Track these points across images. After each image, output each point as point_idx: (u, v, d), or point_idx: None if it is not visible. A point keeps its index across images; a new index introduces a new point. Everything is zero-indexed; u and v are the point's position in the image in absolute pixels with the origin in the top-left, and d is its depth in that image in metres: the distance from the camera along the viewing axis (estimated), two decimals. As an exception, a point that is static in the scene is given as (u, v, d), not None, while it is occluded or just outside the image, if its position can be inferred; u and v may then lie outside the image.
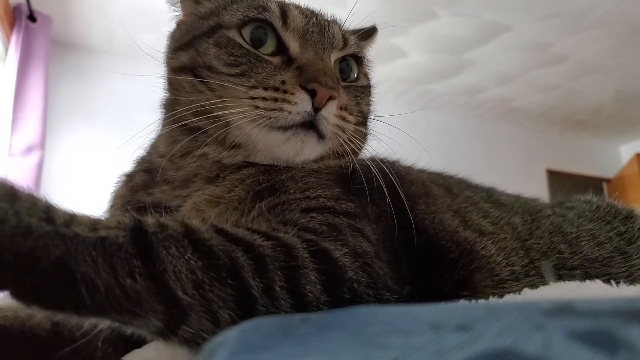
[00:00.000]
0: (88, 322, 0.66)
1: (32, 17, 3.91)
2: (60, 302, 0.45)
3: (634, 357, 0.29)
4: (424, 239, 0.78)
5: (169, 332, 0.49)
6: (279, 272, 0.53)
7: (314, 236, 0.61)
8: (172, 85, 0.88)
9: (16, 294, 0.43)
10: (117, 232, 0.48)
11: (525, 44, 4.78)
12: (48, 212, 0.47)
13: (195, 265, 0.49)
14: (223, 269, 0.50)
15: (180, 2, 0.97)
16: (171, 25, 0.99)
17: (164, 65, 0.93)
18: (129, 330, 0.52)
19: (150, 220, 0.52)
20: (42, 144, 3.87)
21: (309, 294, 0.54)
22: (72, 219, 0.48)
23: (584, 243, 0.93)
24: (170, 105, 0.88)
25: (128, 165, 0.95)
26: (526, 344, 0.31)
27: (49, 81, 4.06)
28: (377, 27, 1.12)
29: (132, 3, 4.10)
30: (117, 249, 0.46)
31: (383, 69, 5.17)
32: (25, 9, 3.86)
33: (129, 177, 0.92)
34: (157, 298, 0.47)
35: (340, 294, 0.56)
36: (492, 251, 0.82)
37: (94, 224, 0.49)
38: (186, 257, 0.49)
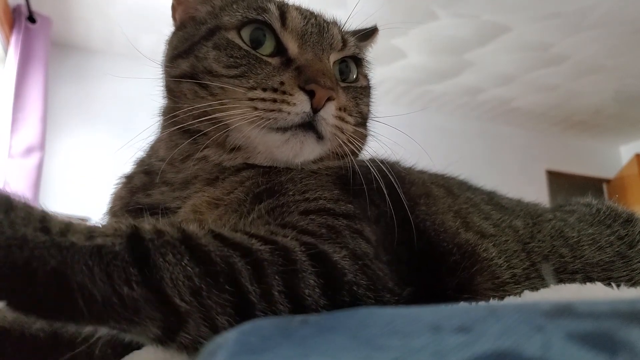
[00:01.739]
0: (86, 329, 0.66)
1: (31, 18, 3.92)
2: (57, 312, 0.45)
3: (634, 359, 0.29)
4: (425, 240, 0.78)
5: (167, 339, 0.49)
6: (277, 277, 0.53)
7: (312, 239, 0.61)
8: (173, 93, 0.88)
9: (13, 305, 0.43)
10: (114, 239, 0.48)
11: (525, 44, 4.78)
12: (44, 222, 0.46)
13: (192, 272, 0.49)
14: (220, 275, 0.50)
15: (177, 7, 0.96)
16: (171, 27, 0.99)
17: (162, 72, 0.92)
18: (127, 337, 0.52)
19: (147, 226, 0.52)
20: (41, 145, 3.87)
21: (308, 298, 0.53)
22: (68, 227, 0.48)
23: (585, 247, 0.93)
24: (170, 113, 0.88)
25: (128, 167, 0.95)
26: (526, 345, 0.31)
27: (48, 82, 4.07)
28: (378, 27, 1.12)
29: (132, 4, 4.11)
30: (113, 258, 0.46)
31: (383, 69, 5.17)
32: (24, 10, 3.86)
33: (129, 178, 0.92)
34: (155, 306, 0.46)
35: (339, 297, 0.56)
36: (494, 254, 0.82)
37: (90, 232, 0.48)
38: (183, 263, 0.49)
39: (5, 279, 0.42)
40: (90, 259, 0.45)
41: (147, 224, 0.53)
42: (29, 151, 3.76)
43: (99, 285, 0.44)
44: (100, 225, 0.52)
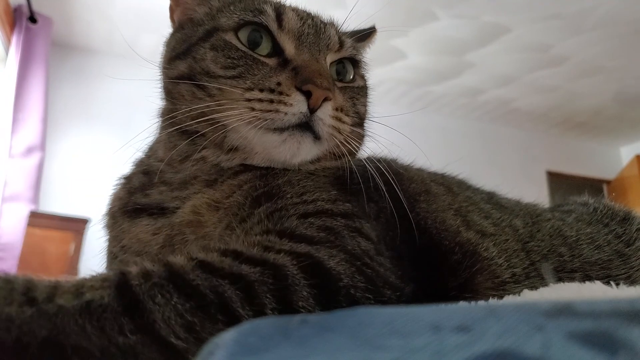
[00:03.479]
0: None
1: (32, 19, 3.92)
2: None
3: (634, 358, 0.29)
4: (426, 238, 0.78)
5: None
6: (268, 295, 0.53)
7: (308, 247, 0.61)
8: (171, 95, 0.88)
9: None
10: (102, 292, 0.48)
11: (525, 45, 4.79)
12: (28, 293, 0.46)
13: (182, 309, 0.49)
14: (211, 306, 0.50)
15: (175, 8, 0.96)
16: (170, 28, 0.99)
17: (160, 74, 0.93)
18: None
19: (134, 270, 0.52)
20: (42, 145, 3.88)
21: (302, 310, 0.54)
22: (55, 290, 0.48)
23: (583, 246, 0.93)
24: (168, 114, 0.88)
25: (127, 167, 0.95)
26: (526, 345, 0.31)
27: (49, 83, 4.07)
28: (377, 28, 1.12)
29: (132, 5, 4.11)
30: (103, 311, 0.46)
31: (383, 70, 5.18)
32: (26, 10, 3.87)
33: (127, 179, 0.92)
34: (152, 348, 0.46)
35: (335, 302, 0.56)
36: (494, 253, 0.82)
37: (78, 289, 0.48)
38: (173, 302, 0.49)
39: None
40: (80, 317, 0.45)
41: (134, 266, 0.54)
42: (29, 151, 3.77)
43: (94, 340, 0.44)
44: (90, 277, 0.52)
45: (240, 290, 0.52)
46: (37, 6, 3.90)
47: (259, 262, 0.57)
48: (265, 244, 0.62)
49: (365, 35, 1.07)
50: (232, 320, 0.50)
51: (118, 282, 0.50)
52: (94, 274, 0.54)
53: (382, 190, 0.77)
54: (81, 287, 0.49)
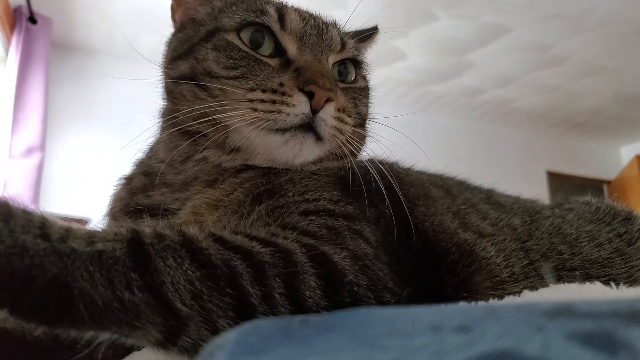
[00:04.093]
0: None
1: (32, 19, 3.92)
2: (58, 319, 0.45)
3: (634, 358, 0.29)
4: (423, 241, 0.78)
5: (168, 342, 0.49)
6: (277, 279, 0.53)
7: (313, 240, 0.61)
8: (172, 95, 0.88)
9: (14, 313, 0.43)
10: (114, 244, 0.48)
11: (525, 45, 4.79)
12: (43, 228, 0.47)
13: (193, 276, 0.49)
14: (221, 278, 0.50)
15: (176, 8, 0.96)
16: (171, 28, 0.99)
17: (161, 74, 0.92)
18: (128, 341, 0.52)
19: (147, 230, 0.52)
20: (42, 146, 3.87)
21: (309, 299, 0.54)
22: (68, 233, 0.48)
23: (583, 244, 0.93)
24: (169, 114, 0.88)
25: (128, 168, 0.95)
26: (526, 345, 0.31)
27: (49, 83, 4.07)
28: (379, 29, 1.12)
29: (132, 5, 4.11)
30: (114, 263, 0.46)
31: (383, 71, 5.18)
32: (25, 10, 3.87)
33: (128, 179, 0.92)
34: (156, 310, 0.47)
35: (340, 297, 0.56)
36: (492, 252, 0.82)
37: (90, 237, 0.48)
38: (184, 267, 0.49)
39: (6, 288, 0.42)
40: (91, 264, 0.45)
41: (147, 227, 0.53)
42: (29, 151, 3.77)
43: (100, 290, 0.44)
44: (101, 230, 0.52)
45: (251, 267, 0.52)
46: (36, 6, 3.90)
47: (270, 243, 0.57)
48: (271, 232, 0.62)
49: (367, 35, 1.07)
50: (239, 296, 0.50)
51: (131, 238, 0.50)
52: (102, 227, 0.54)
53: (383, 193, 0.78)
54: (93, 236, 0.49)
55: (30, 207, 0.50)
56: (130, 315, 0.46)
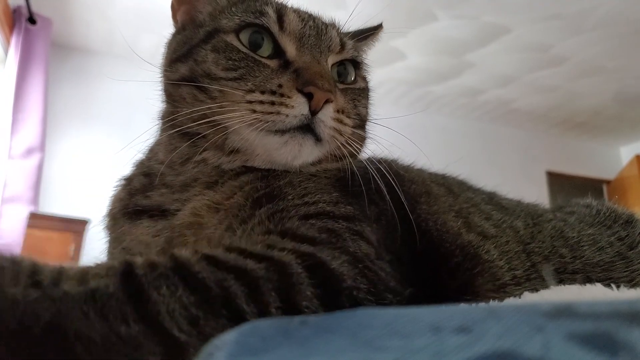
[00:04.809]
0: None
1: (32, 20, 3.93)
2: None
3: (634, 359, 0.29)
4: (427, 240, 0.78)
5: None
6: (273, 293, 0.53)
7: (311, 247, 0.61)
8: (172, 97, 0.88)
9: None
10: (107, 280, 0.48)
11: (525, 45, 4.79)
12: (34, 276, 0.46)
13: (187, 302, 0.48)
14: (216, 300, 0.50)
15: (177, 8, 0.96)
16: (171, 29, 0.98)
17: (161, 76, 0.92)
18: None
19: (139, 260, 0.52)
20: (41, 146, 3.88)
21: (306, 310, 0.53)
22: (60, 276, 0.48)
23: (585, 248, 0.93)
24: (169, 116, 0.88)
25: (127, 168, 0.95)
26: (526, 346, 0.31)
27: (48, 83, 4.07)
28: (382, 26, 1.11)
29: (132, 5, 4.11)
30: (107, 299, 0.46)
31: (383, 71, 5.18)
32: (25, 11, 3.87)
33: (128, 180, 0.92)
34: (154, 339, 0.46)
35: (338, 303, 0.56)
36: (495, 255, 0.82)
37: (83, 275, 0.48)
38: (178, 294, 0.49)
39: (2, 342, 0.41)
40: (85, 304, 0.45)
41: (139, 257, 0.53)
42: (29, 152, 3.77)
43: (97, 328, 0.44)
44: (95, 265, 0.52)
45: (245, 285, 0.52)
46: (36, 7, 3.90)
47: (264, 258, 0.57)
48: (268, 243, 0.62)
49: (370, 33, 1.07)
50: (236, 316, 0.50)
51: (123, 271, 0.50)
52: (97, 262, 0.54)
53: (383, 192, 0.77)
54: (86, 274, 0.49)
55: (17, 254, 0.50)
56: (130, 347, 0.45)
